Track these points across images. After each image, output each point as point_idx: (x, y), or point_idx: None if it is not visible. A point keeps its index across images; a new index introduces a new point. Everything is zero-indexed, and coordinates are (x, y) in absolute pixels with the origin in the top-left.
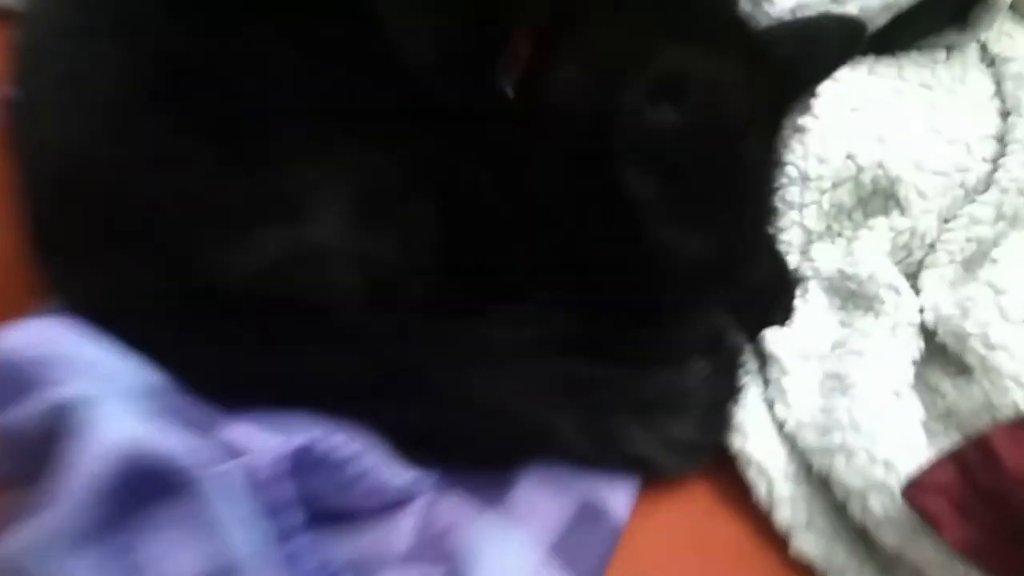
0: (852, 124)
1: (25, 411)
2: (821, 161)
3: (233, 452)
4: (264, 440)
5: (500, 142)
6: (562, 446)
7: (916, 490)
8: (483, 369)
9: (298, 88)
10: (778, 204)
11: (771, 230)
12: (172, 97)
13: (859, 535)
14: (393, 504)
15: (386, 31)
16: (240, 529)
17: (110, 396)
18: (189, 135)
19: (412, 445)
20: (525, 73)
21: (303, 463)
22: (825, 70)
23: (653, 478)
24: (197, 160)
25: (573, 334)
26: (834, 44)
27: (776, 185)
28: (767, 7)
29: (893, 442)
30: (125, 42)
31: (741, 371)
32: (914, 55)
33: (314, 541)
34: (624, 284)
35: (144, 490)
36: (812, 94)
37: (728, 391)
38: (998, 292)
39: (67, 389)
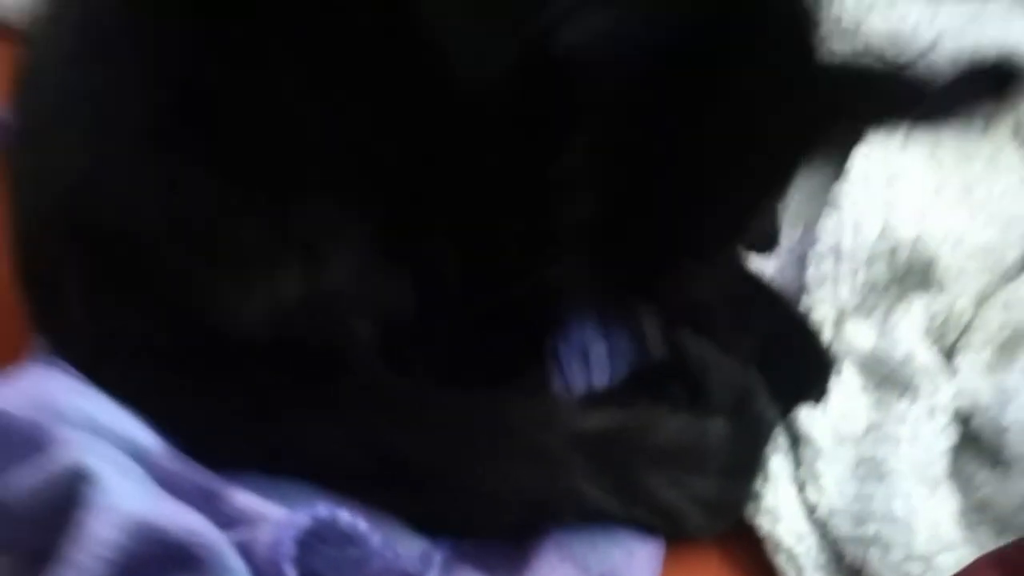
0: (887, 197)
1: (27, 478)
2: (856, 234)
3: (236, 523)
4: (268, 512)
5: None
6: (585, 507)
7: None
8: (491, 446)
9: (320, 124)
10: (811, 281)
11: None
12: (185, 128)
13: None
14: None
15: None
16: None
17: (112, 462)
18: (202, 169)
19: (419, 525)
20: None
21: (308, 539)
22: (872, 113)
23: (675, 551)
24: (209, 196)
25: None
26: (894, 95)
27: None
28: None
29: (930, 536)
30: (137, 68)
31: (768, 438)
32: (948, 129)
33: None
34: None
35: (157, 565)
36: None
37: (750, 456)
38: None
39: (71, 455)
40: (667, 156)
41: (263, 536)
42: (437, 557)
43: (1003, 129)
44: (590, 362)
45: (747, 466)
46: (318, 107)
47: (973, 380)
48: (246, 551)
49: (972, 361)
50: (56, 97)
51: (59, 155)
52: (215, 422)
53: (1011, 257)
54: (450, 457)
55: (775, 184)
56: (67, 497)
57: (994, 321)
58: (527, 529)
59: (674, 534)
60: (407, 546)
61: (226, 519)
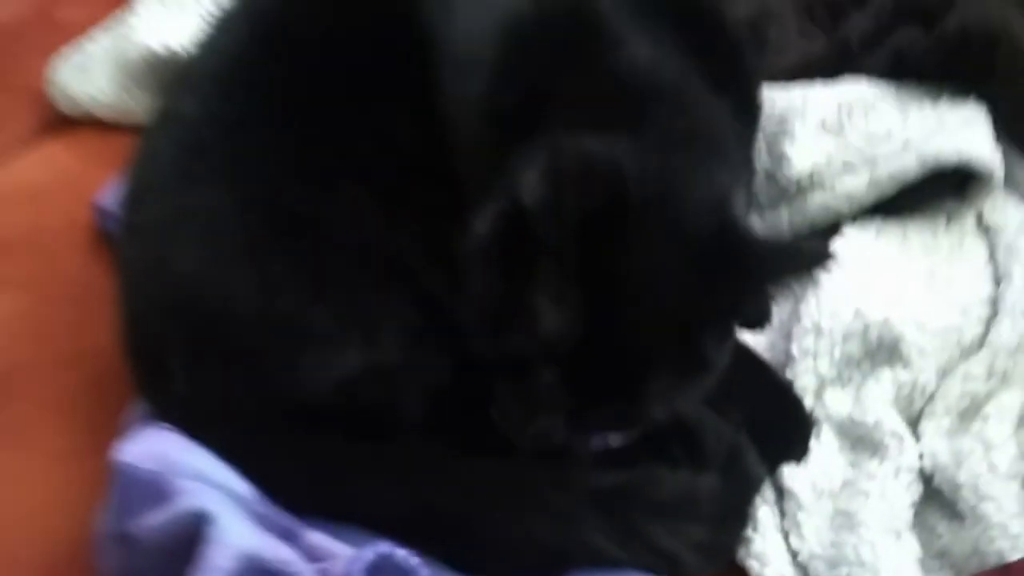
0: (861, 282)
1: (155, 519)
2: (833, 315)
3: (311, 557)
4: (335, 548)
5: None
6: (596, 554)
7: None
8: (517, 504)
9: (382, 236)
10: (795, 354)
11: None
12: (276, 237)
13: None
14: None
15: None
16: None
17: (222, 505)
18: (288, 269)
19: (455, 567)
20: None
21: (371, 572)
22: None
23: None
24: (294, 290)
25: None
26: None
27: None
28: (786, 169)
29: None
30: (237, 187)
31: (754, 491)
32: (917, 220)
33: None
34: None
35: None
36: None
37: (739, 507)
38: (988, 447)
39: (193, 500)
40: (597, 287)
41: (335, 568)
42: None
43: (965, 223)
44: None
45: (737, 515)
46: (382, 223)
47: (934, 443)
48: None
49: (934, 427)
50: (169, 205)
51: (171, 253)
52: (291, 476)
53: (969, 336)
54: (481, 512)
55: (698, 331)
56: (191, 535)
57: (954, 392)
58: (548, 571)
59: (674, 575)
60: None
61: (303, 554)
